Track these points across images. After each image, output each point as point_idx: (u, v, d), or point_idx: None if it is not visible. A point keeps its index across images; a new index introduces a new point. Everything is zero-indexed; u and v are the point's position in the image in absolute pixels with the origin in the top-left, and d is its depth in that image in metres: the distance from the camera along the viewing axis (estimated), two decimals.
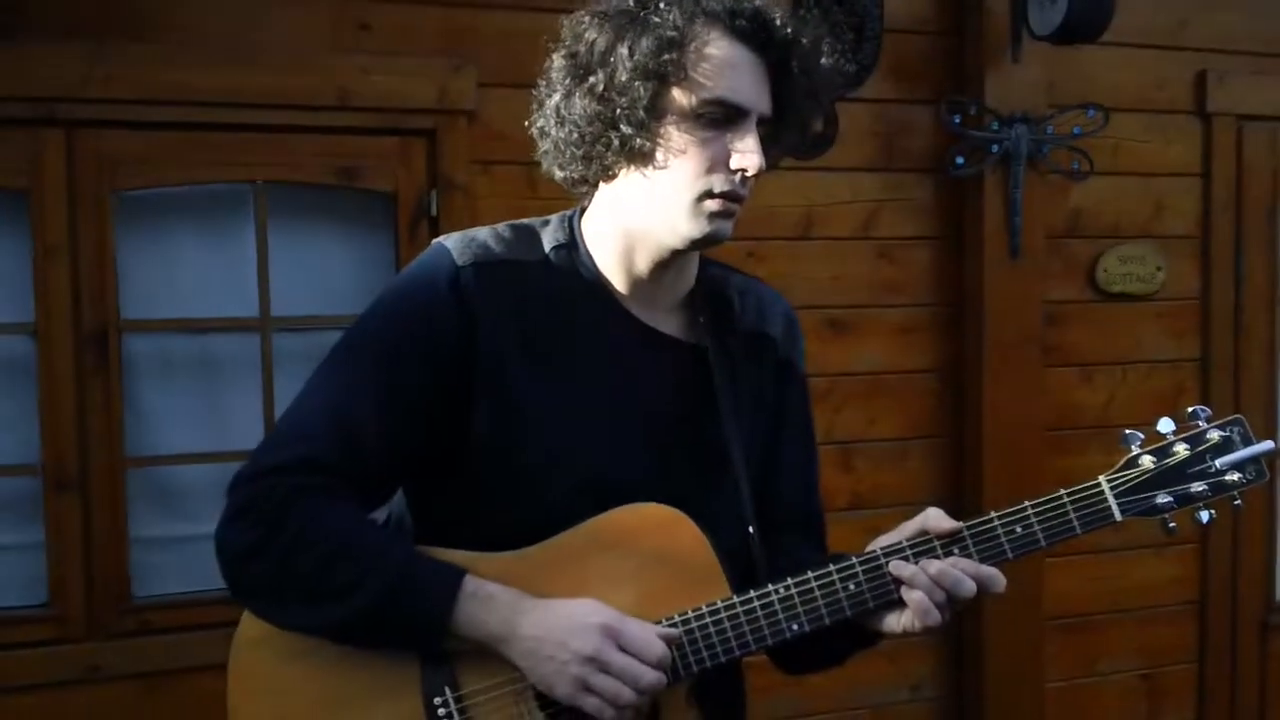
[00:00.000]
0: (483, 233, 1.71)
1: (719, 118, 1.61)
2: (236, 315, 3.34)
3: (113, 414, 3.21)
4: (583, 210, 1.76)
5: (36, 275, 3.14)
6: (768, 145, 1.65)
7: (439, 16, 3.41)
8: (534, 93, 1.72)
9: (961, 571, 1.58)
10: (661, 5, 1.61)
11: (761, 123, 1.64)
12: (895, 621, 1.64)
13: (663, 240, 1.67)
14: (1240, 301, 4.19)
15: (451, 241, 1.69)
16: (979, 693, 3.89)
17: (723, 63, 1.60)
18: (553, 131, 1.68)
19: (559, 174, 1.72)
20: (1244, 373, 4.20)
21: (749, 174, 1.61)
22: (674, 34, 1.58)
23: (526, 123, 1.73)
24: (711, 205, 1.62)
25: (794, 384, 1.85)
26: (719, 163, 1.61)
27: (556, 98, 1.66)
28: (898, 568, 1.60)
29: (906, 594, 1.60)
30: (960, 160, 3.75)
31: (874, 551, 1.63)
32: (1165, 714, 4.24)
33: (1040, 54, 3.78)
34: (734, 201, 1.64)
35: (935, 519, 1.62)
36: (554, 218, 1.76)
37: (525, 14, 3.44)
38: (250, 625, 1.68)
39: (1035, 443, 3.85)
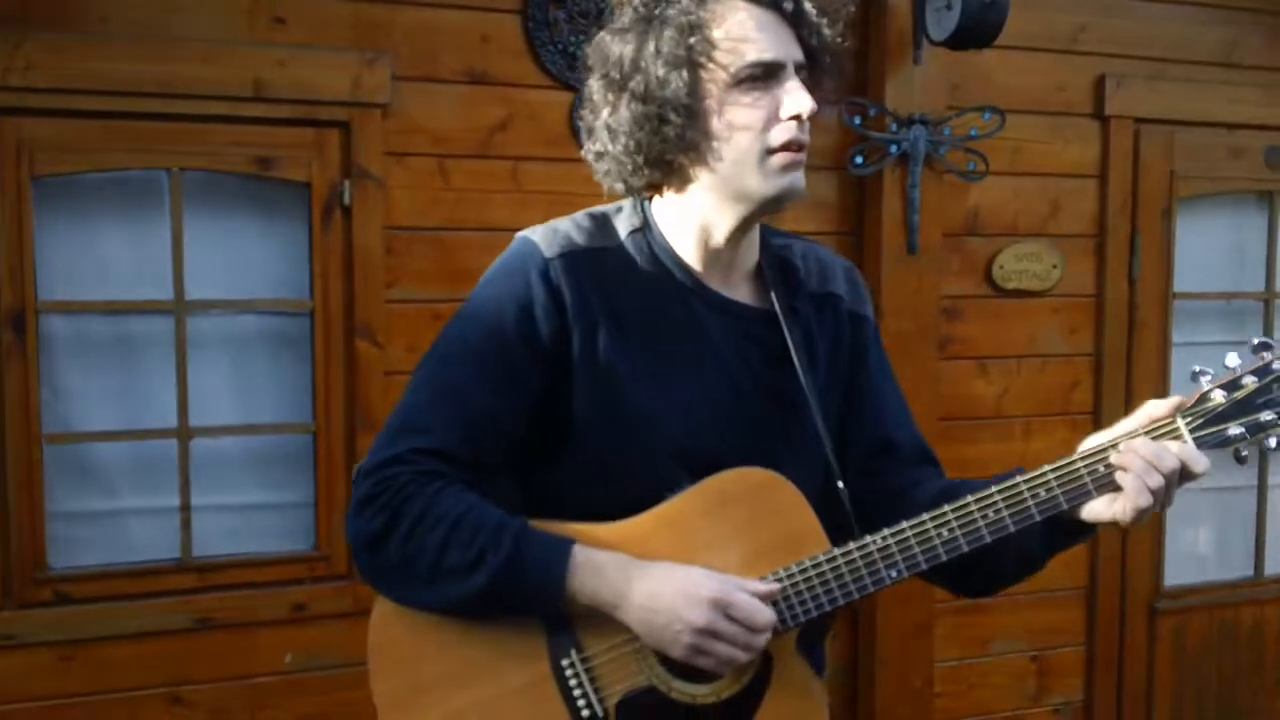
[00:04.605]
0: (564, 224, 1.83)
1: (759, 77, 1.71)
2: (153, 298, 3.44)
3: (30, 392, 3.30)
4: (652, 197, 1.86)
5: None
6: (813, 86, 1.75)
7: (353, 11, 3.50)
8: (580, 123, 1.83)
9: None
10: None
11: (799, 70, 1.74)
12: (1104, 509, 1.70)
13: (739, 211, 1.76)
14: (1134, 299, 4.34)
15: (537, 235, 1.80)
16: (871, 670, 4.05)
17: (746, 29, 1.71)
18: (609, 148, 1.77)
19: (619, 186, 1.82)
20: (1136, 368, 4.36)
21: (803, 116, 1.70)
22: (691, 18, 1.70)
23: (581, 152, 1.84)
24: (778, 160, 1.71)
25: (868, 333, 1.95)
26: (773, 118, 1.71)
27: (604, 115, 1.77)
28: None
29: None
30: (859, 160, 3.88)
31: (965, 499, 1.71)
32: (1053, 693, 4.41)
33: (944, 58, 3.91)
34: (799, 151, 1.73)
35: (1153, 406, 1.72)
36: (626, 204, 1.87)
37: (438, 10, 3.57)
38: (382, 604, 1.79)
39: (929, 431, 3.96)
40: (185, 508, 3.47)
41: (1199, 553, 4.63)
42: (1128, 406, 4.25)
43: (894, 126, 3.87)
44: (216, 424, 3.51)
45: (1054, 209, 4.27)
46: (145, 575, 3.45)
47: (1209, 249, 4.53)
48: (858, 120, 3.86)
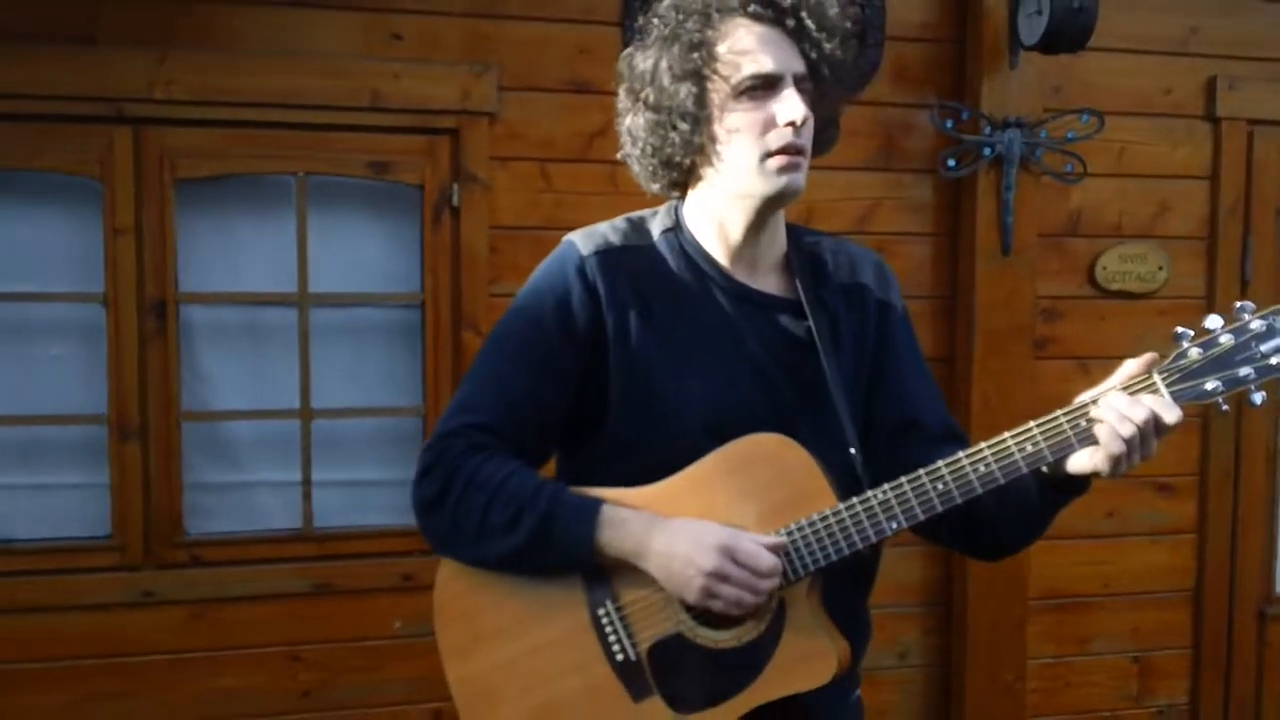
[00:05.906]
0: (603, 227, 2.02)
1: (758, 87, 1.88)
2: (279, 290, 3.76)
3: (170, 373, 3.66)
4: (684, 198, 2.07)
5: (107, 252, 3.60)
6: (817, 96, 1.93)
7: (463, 26, 3.76)
8: (617, 129, 2.05)
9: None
10: (682, 16, 1.93)
11: (801, 80, 1.91)
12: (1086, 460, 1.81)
13: (746, 207, 1.94)
14: (1246, 301, 4.26)
15: (578, 236, 2.01)
16: (962, 662, 4.11)
17: (747, 44, 1.89)
18: (632, 151, 2.01)
19: (654, 187, 2.05)
20: None
21: (797, 123, 1.86)
22: (698, 35, 1.91)
23: (617, 155, 2.05)
24: (774, 162, 1.89)
25: (895, 319, 2.08)
26: (770, 124, 1.88)
27: (627, 121, 2.00)
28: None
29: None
30: (952, 163, 3.96)
31: (957, 457, 1.83)
32: (1156, 695, 4.38)
33: (1043, 62, 3.93)
34: (795, 154, 1.90)
35: (1130, 365, 1.83)
36: (661, 208, 2.07)
37: (541, 24, 3.80)
38: (445, 565, 2.01)
39: None
40: (306, 482, 3.78)
41: None
42: (1240, 406, 4.24)
43: (988, 129, 3.93)
44: (335, 406, 3.82)
45: (1160, 210, 4.25)
46: (270, 543, 3.78)
47: None
48: (949, 124, 3.94)
